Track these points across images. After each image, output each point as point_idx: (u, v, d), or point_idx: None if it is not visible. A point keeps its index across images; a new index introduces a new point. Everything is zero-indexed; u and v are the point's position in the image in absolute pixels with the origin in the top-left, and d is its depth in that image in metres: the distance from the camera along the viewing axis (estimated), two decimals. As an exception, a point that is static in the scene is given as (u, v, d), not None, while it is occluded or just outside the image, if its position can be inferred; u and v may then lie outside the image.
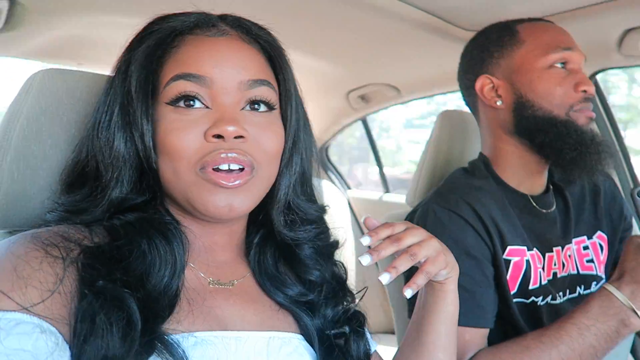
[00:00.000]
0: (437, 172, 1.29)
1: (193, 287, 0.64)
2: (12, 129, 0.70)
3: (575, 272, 1.07)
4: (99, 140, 0.63)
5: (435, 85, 1.98)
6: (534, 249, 1.01)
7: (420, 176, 1.31)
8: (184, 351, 0.55)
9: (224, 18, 0.69)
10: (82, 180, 0.65)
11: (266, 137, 0.65)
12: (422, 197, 1.19)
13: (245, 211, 0.65)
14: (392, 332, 1.38)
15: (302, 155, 0.72)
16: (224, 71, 0.63)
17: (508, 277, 0.97)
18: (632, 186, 1.60)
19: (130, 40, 0.67)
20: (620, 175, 1.60)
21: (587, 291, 1.07)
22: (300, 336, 0.69)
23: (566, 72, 1.00)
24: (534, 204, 1.06)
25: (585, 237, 1.10)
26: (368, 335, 0.78)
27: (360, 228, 2.63)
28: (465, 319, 0.92)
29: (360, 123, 2.61)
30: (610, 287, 0.81)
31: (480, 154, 1.13)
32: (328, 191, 2.51)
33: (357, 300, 0.80)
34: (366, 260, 0.67)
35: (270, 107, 0.66)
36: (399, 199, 2.46)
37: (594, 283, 1.08)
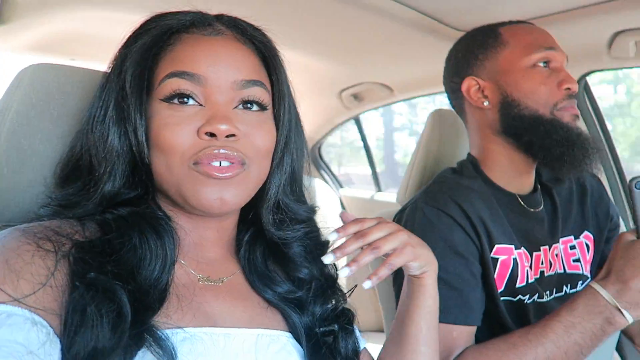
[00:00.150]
0: (427, 171, 1.30)
1: (183, 284, 0.65)
2: (2, 123, 0.70)
3: (562, 271, 1.08)
4: (93, 134, 0.64)
5: (427, 85, 1.99)
6: (522, 247, 1.02)
7: (411, 175, 1.32)
8: (173, 345, 0.56)
9: (219, 18, 0.70)
10: (76, 174, 0.66)
11: (258, 135, 0.66)
12: (413, 196, 1.20)
13: (236, 205, 0.66)
14: (382, 331, 1.39)
15: (293, 155, 0.73)
16: (218, 70, 0.64)
17: (495, 275, 0.98)
18: (617, 184, 1.61)
19: (126, 37, 0.67)
20: (609, 175, 1.62)
21: (574, 290, 1.08)
22: (288, 334, 0.70)
23: (549, 71, 1.03)
24: (522, 203, 1.07)
25: (572, 237, 1.11)
26: (357, 332, 0.79)
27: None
28: (453, 316, 0.93)
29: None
30: (596, 286, 0.82)
31: (469, 154, 1.14)
32: (320, 190, 2.52)
33: (347, 298, 0.80)
34: (329, 259, 0.68)
35: (262, 108, 0.67)
36: (391, 197, 2.47)
37: (580, 282, 1.10)
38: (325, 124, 2.60)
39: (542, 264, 1.05)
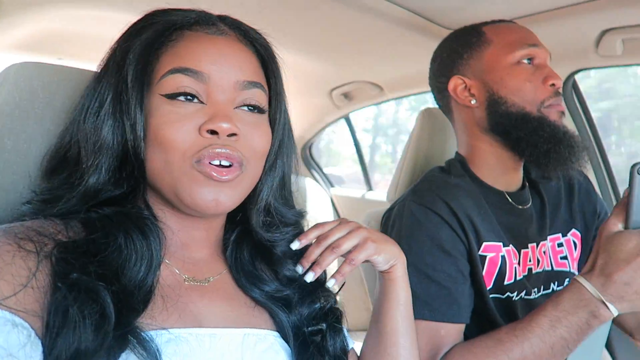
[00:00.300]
0: (417, 170, 1.30)
1: (168, 284, 0.64)
2: (-15, 122, 0.69)
3: (550, 268, 1.09)
4: (85, 125, 0.63)
5: (417, 83, 2.00)
6: (510, 245, 1.03)
7: (401, 173, 1.32)
8: (157, 346, 0.55)
9: (223, 19, 0.70)
10: (63, 166, 0.65)
11: (256, 136, 0.66)
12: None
13: (231, 207, 0.66)
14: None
15: (284, 159, 0.74)
16: (221, 69, 0.64)
17: (484, 273, 0.99)
18: (606, 182, 1.63)
19: (127, 29, 0.67)
20: (597, 173, 1.63)
21: (561, 287, 1.09)
22: (276, 333, 0.70)
23: (534, 67, 1.04)
24: (510, 201, 1.08)
25: (560, 235, 1.12)
26: (345, 332, 0.79)
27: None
28: (441, 314, 0.93)
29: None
30: (581, 279, 0.82)
31: (457, 153, 1.15)
32: (311, 189, 2.52)
33: (336, 297, 0.80)
34: (299, 269, 0.74)
35: (261, 110, 0.68)
36: (382, 196, 2.47)
37: (568, 280, 1.10)
38: (316, 123, 2.60)
39: (530, 261, 1.05)
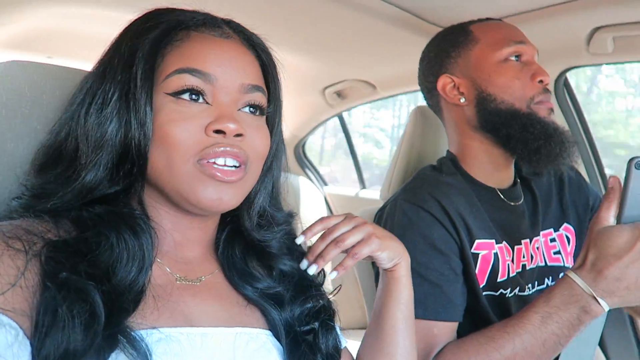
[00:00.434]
0: (410, 168, 1.30)
1: (159, 284, 0.64)
2: (-29, 122, 0.68)
3: (543, 264, 1.09)
4: (86, 121, 0.63)
5: (410, 82, 1.99)
6: (503, 241, 1.03)
7: (394, 172, 1.32)
8: (147, 346, 0.55)
9: (228, 22, 0.71)
10: (57, 162, 0.64)
11: (257, 138, 0.67)
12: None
13: (234, 205, 0.66)
14: (367, 328, 1.39)
15: (279, 162, 0.76)
16: (227, 72, 0.65)
17: (477, 270, 0.99)
18: (597, 178, 1.63)
19: (131, 27, 0.67)
20: (588, 169, 1.64)
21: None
22: (268, 332, 0.69)
23: (521, 64, 1.05)
24: (502, 197, 1.08)
25: (552, 230, 1.12)
26: (338, 330, 0.79)
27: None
28: (434, 313, 0.93)
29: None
30: (572, 275, 0.82)
31: (448, 151, 1.16)
32: (305, 188, 2.51)
33: (330, 296, 0.80)
34: (303, 265, 0.75)
35: (262, 113, 0.69)
36: (375, 195, 2.47)
37: (562, 274, 1.11)
38: (309, 121, 2.59)
39: (523, 257, 1.06)
